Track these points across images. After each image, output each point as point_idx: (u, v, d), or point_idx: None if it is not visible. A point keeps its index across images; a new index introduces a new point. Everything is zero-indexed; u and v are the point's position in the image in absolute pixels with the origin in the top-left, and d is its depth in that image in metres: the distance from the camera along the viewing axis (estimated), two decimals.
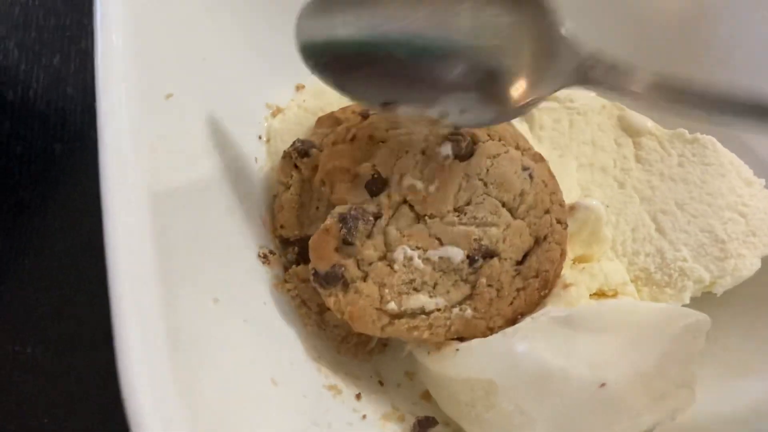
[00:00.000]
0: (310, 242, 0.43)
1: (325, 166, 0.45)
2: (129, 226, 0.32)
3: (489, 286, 0.42)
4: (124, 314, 0.29)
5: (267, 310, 0.42)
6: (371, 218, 0.43)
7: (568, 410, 0.36)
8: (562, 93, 0.53)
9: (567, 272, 0.45)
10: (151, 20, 0.41)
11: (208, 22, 0.47)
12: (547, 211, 0.44)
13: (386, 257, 0.42)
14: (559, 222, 0.44)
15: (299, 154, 0.47)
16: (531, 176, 0.44)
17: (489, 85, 0.41)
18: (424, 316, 0.42)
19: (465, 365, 0.40)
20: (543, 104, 0.52)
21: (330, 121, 0.49)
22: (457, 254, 0.42)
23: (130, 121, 0.35)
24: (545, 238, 0.44)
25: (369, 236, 0.43)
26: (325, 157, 0.45)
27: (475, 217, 0.43)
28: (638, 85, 0.38)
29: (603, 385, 0.35)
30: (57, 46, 0.58)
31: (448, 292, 0.42)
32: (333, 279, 0.42)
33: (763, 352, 0.45)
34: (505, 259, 0.43)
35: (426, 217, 0.43)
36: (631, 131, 0.53)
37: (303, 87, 0.54)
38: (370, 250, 0.42)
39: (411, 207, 0.43)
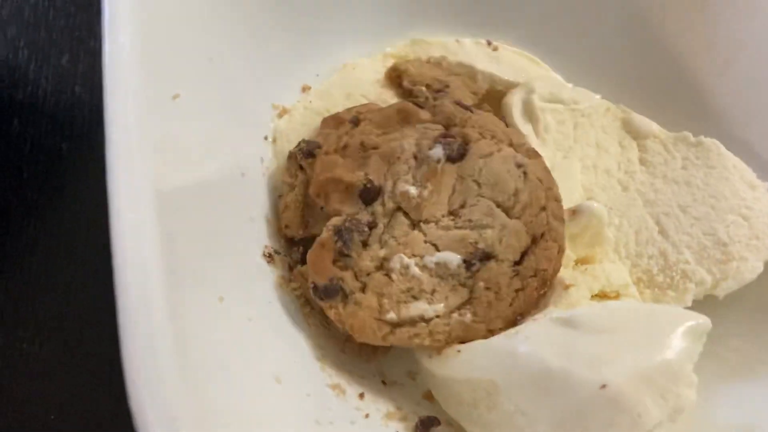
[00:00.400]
0: (308, 256, 0.43)
1: (318, 178, 0.45)
2: (135, 225, 0.32)
3: (487, 289, 0.42)
4: (130, 312, 0.30)
5: (271, 309, 0.42)
6: (366, 228, 0.43)
7: (570, 411, 0.36)
8: (567, 95, 0.54)
9: (569, 273, 0.45)
10: (159, 21, 0.41)
11: (215, 22, 0.47)
12: (543, 209, 0.44)
13: (383, 267, 0.42)
14: (555, 218, 0.44)
15: (304, 154, 0.47)
16: (525, 173, 0.44)
17: None
18: (423, 324, 0.42)
19: (467, 366, 0.40)
20: (548, 105, 0.53)
21: (335, 121, 0.49)
22: (453, 259, 0.42)
23: (136, 121, 0.35)
24: (542, 236, 0.43)
25: (365, 247, 0.43)
26: (318, 168, 0.45)
27: (470, 220, 0.43)
28: None
29: (604, 386, 0.35)
30: (66, 46, 0.59)
31: (446, 297, 0.42)
32: (332, 292, 0.42)
33: (765, 355, 0.45)
34: (503, 261, 0.43)
35: (421, 223, 0.43)
36: (635, 134, 0.53)
37: (309, 88, 0.54)
38: (366, 261, 0.42)
39: (406, 214, 0.43)
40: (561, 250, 0.44)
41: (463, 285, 0.42)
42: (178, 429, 0.28)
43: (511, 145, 0.46)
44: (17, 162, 0.53)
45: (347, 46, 0.56)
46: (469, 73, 0.56)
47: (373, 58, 0.56)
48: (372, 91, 0.54)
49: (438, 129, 0.46)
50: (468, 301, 0.42)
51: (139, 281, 0.31)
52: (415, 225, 0.43)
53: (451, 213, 0.43)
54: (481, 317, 0.42)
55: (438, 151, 0.44)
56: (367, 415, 0.41)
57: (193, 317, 0.34)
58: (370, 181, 0.44)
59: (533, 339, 0.39)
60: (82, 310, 0.47)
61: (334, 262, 0.42)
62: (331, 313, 0.42)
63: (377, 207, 0.44)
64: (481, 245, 0.42)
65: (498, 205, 0.43)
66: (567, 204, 0.47)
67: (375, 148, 0.45)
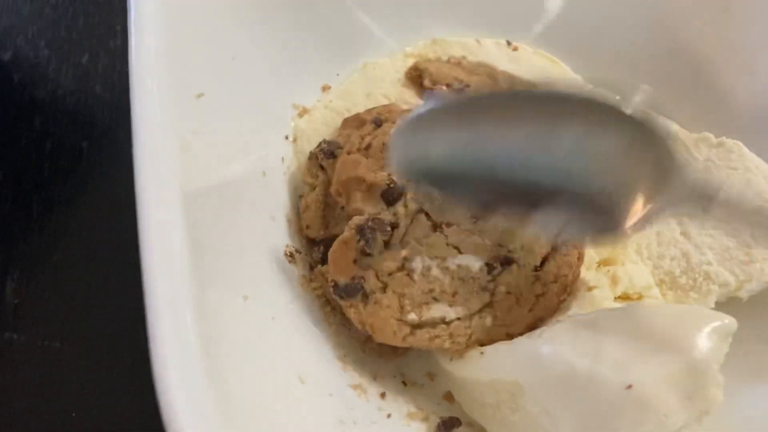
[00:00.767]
0: (329, 254, 0.43)
1: (340, 177, 0.45)
2: (163, 224, 0.32)
3: (508, 293, 0.42)
4: (160, 311, 0.30)
5: (293, 309, 0.42)
6: (388, 228, 0.43)
7: (595, 412, 0.36)
8: None
9: (592, 275, 0.45)
10: (184, 20, 0.41)
11: (237, 21, 0.47)
12: None
13: (404, 267, 0.42)
14: None
15: (325, 154, 0.47)
16: None
17: (594, 203, 0.38)
18: (444, 326, 0.42)
19: (490, 368, 0.40)
20: None
21: (356, 122, 0.49)
22: (475, 262, 0.42)
23: (163, 119, 0.35)
24: (563, 242, 0.44)
25: (387, 246, 0.43)
26: (340, 167, 0.45)
27: (492, 224, 0.43)
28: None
29: (630, 386, 0.35)
30: (86, 46, 0.59)
31: (467, 300, 0.42)
32: (353, 291, 0.42)
33: None
34: (524, 266, 0.42)
35: (443, 226, 0.43)
36: None
37: (329, 87, 0.54)
38: (388, 261, 0.42)
39: (428, 215, 0.43)
40: (581, 257, 0.44)
41: (484, 288, 0.42)
42: (207, 428, 0.28)
43: None
44: (39, 160, 0.53)
45: (367, 45, 0.56)
46: (489, 73, 0.56)
47: (393, 58, 0.56)
48: (392, 90, 0.54)
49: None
50: (488, 305, 0.42)
51: (167, 280, 0.31)
52: (437, 227, 0.43)
53: (473, 216, 0.43)
54: (501, 321, 0.42)
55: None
56: (389, 415, 0.41)
57: (220, 316, 0.34)
58: (392, 181, 0.44)
59: (557, 340, 0.38)
60: (102, 308, 0.48)
61: (356, 261, 0.42)
62: (351, 313, 0.42)
63: (399, 208, 0.44)
64: (502, 249, 0.42)
65: None
66: None
67: None
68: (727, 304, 0.46)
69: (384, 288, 0.42)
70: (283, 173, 0.48)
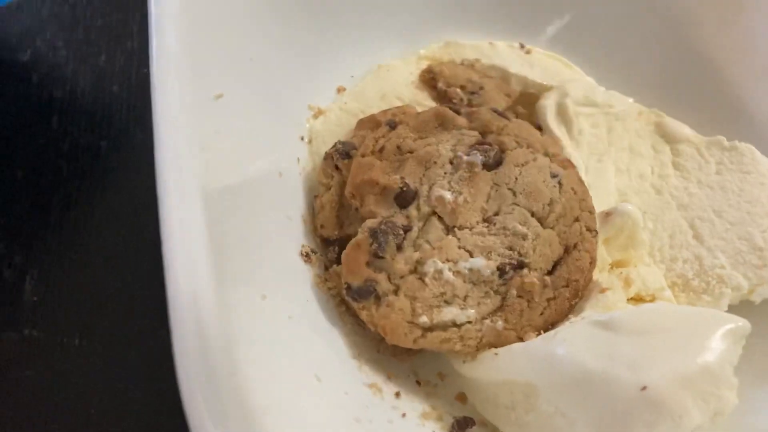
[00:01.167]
0: (343, 257, 0.43)
1: (354, 180, 0.45)
2: (185, 223, 0.33)
3: (519, 297, 0.42)
4: (182, 311, 0.30)
5: (310, 308, 0.43)
6: (401, 231, 0.43)
7: (610, 413, 0.36)
8: (601, 98, 0.54)
9: (605, 277, 0.45)
10: (203, 21, 0.42)
11: (254, 23, 0.48)
12: (576, 219, 0.44)
13: (417, 270, 0.43)
14: (588, 230, 0.44)
15: (340, 155, 0.47)
16: (560, 183, 0.45)
17: None
18: (455, 329, 0.42)
19: (504, 369, 0.40)
20: (582, 109, 0.53)
21: (370, 123, 0.49)
22: (487, 266, 0.42)
23: (184, 119, 0.36)
24: (575, 246, 0.44)
25: (399, 249, 0.43)
26: (354, 169, 0.46)
27: (504, 228, 0.43)
28: None
29: (644, 388, 0.35)
30: (103, 46, 0.60)
31: (478, 304, 0.42)
32: (365, 293, 0.42)
33: None
34: (535, 270, 0.43)
35: (455, 229, 0.43)
36: (668, 138, 0.53)
37: (344, 89, 0.54)
38: (400, 264, 0.43)
39: (440, 218, 0.43)
40: (593, 261, 0.44)
41: (496, 292, 0.42)
42: (229, 425, 0.28)
43: (546, 154, 0.46)
44: (57, 159, 0.54)
45: (382, 47, 0.56)
46: (503, 75, 0.56)
47: (407, 60, 0.57)
48: (406, 92, 0.54)
49: (474, 136, 0.46)
50: (500, 308, 0.42)
51: (189, 279, 0.31)
52: (449, 230, 0.43)
53: (486, 220, 0.44)
54: (512, 325, 0.42)
55: (474, 158, 0.44)
56: (404, 415, 0.41)
57: (239, 315, 0.34)
58: (406, 184, 0.44)
59: (571, 341, 0.39)
60: (119, 305, 0.48)
61: (368, 263, 0.43)
62: (363, 314, 0.43)
63: (412, 211, 0.44)
64: (514, 253, 0.43)
65: (532, 215, 0.44)
66: (601, 207, 0.47)
67: (411, 152, 0.46)
68: (739, 307, 0.46)
69: (396, 291, 0.42)
70: (299, 174, 0.49)
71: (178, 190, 0.33)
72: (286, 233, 0.45)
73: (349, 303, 0.44)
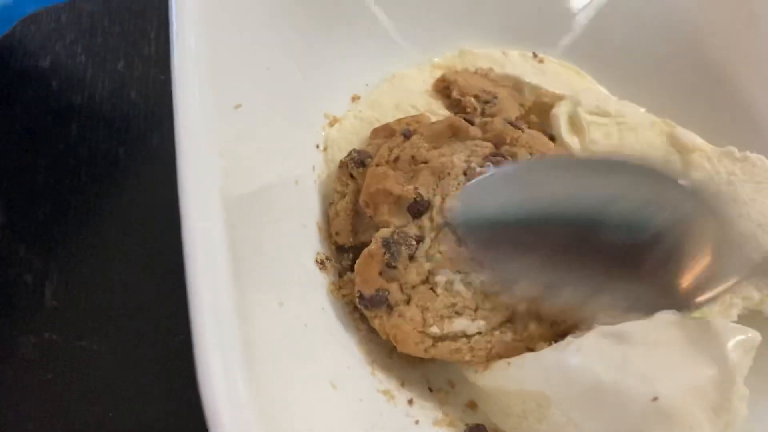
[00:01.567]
0: (356, 266, 0.44)
1: (369, 189, 0.46)
2: (206, 231, 0.33)
3: (529, 309, 0.43)
4: (203, 317, 0.30)
5: (325, 315, 0.43)
6: (414, 242, 0.44)
7: (622, 423, 0.36)
8: (614, 108, 0.54)
9: None
10: (223, 31, 0.42)
11: (272, 32, 0.48)
12: None
13: (428, 281, 0.43)
14: None
15: (355, 163, 0.48)
16: None
17: (659, 277, 0.40)
18: (465, 339, 0.42)
19: (516, 378, 0.41)
20: (594, 118, 0.53)
21: (385, 132, 0.50)
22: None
23: (205, 127, 0.36)
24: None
25: (412, 260, 0.44)
26: (368, 179, 0.46)
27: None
28: None
29: (656, 398, 0.36)
30: (121, 52, 0.60)
31: (488, 316, 0.43)
32: (378, 302, 0.43)
33: None
34: None
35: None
36: (680, 148, 0.53)
37: (358, 97, 0.55)
38: (412, 274, 0.43)
39: (453, 230, 0.44)
40: None
41: (506, 304, 0.43)
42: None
43: None
44: (76, 166, 0.55)
45: (396, 56, 0.57)
46: (516, 84, 0.56)
47: (421, 69, 0.57)
48: (421, 101, 0.55)
49: (488, 147, 0.47)
50: (509, 320, 0.43)
51: (210, 286, 0.32)
52: (461, 241, 0.44)
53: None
54: (521, 336, 0.42)
55: (488, 170, 0.45)
56: (417, 422, 0.42)
57: (258, 322, 0.35)
58: (419, 195, 0.45)
59: (584, 351, 0.39)
60: (138, 311, 0.49)
61: (381, 273, 0.43)
62: (375, 323, 0.43)
63: (425, 221, 0.44)
64: None
65: None
66: None
67: (425, 162, 0.46)
68: (750, 318, 0.46)
69: (408, 300, 0.43)
70: (314, 181, 0.49)
71: (199, 200, 0.34)
72: (302, 240, 0.46)
73: (362, 310, 0.44)
